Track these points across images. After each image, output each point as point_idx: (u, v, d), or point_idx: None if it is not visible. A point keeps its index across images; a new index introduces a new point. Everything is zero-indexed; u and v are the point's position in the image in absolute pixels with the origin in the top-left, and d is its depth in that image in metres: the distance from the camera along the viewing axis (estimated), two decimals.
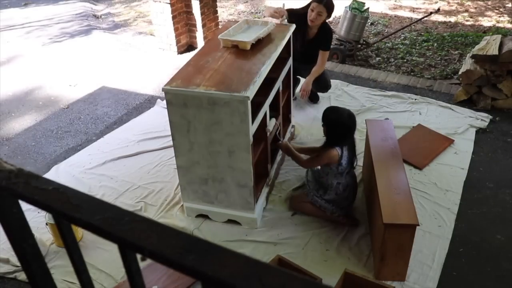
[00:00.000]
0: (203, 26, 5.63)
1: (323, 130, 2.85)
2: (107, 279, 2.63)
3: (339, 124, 2.75)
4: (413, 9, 7.24)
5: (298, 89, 4.34)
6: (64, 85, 5.13)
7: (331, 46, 5.52)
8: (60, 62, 5.76)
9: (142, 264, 0.68)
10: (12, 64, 5.79)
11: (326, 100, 4.40)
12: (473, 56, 4.22)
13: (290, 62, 3.48)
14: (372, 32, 6.32)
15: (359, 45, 5.41)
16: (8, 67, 5.70)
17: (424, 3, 7.50)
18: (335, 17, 6.67)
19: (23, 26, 7.09)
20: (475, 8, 7.23)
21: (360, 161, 3.52)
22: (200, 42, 5.72)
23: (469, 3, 7.42)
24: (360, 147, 3.68)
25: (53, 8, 7.97)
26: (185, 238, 0.61)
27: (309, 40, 3.99)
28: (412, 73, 5.07)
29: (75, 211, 0.68)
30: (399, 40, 5.97)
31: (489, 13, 7.00)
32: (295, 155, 3.03)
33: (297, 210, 3.07)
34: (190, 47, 5.86)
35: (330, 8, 3.77)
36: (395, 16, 6.95)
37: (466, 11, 7.11)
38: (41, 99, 4.86)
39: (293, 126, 3.82)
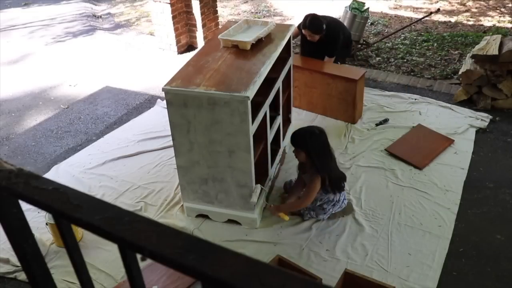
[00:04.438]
0: (203, 26, 5.63)
1: (301, 156, 2.82)
2: (107, 279, 2.63)
3: (324, 145, 2.78)
4: (413, 9, 7.23)
5: None
6: (64, 85, 5.13)
7: None
8: (60, 62, 5.76)
9: (142, 264, 0.68)
10: (12, 64, 5.80)
11: None
12: (473, 56, 4.21)
13: (290, 62, 3.48)
14: (372, 32, 6.32)
15: (359, 45, 5.41)
16: (8, 67, 5.70)
17: (425, 3, 7.49)
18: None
19: (24, 26, 7.10)
20: (477, 8, 7.23)
21: (360, 161, 3.52)
22: (200, 42, 5.72)
23: (470, 3, 7.42)
24: (360, 147, 3.70)
25: (54, 8, 7.97)
26: (185, 238, 0.61)
27: (315, 43, 4.19)
28: (412, 73, 5.07)
29: (75, 211, 0.68)
30: (399, 40, 5.97)
31: (490, 13, 7.00)
32: (290, 206, 2.94)
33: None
34: (190, 47, 5.86)
35: (313, 28, 4.03)
36: (395, 16, 6.94)
37: (467, 11, 7.11)
38: (41, 99, 4.86)
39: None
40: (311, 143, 2.76)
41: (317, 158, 2.74)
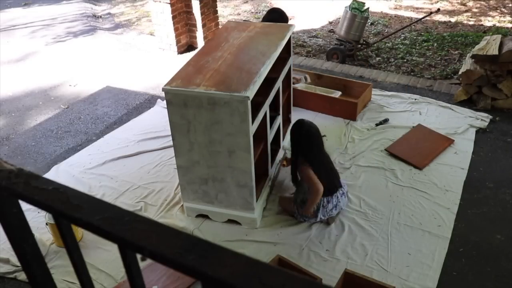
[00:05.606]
0: (203, 26, 5.63)
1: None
2: (107, 279, 2.63)
3: (304, 135, 2.86)
4: (413, 9, 7.24)
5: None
6: (64, 85, 5.13)
7: (332, 46, 5.56)
8: (60, 62, 5.76)
9: (142, 264, 0.69)
10: (13, 64, 5.79)
11: None
12: (473, 56, 4.21)
13: (290, 62, 3.48)
14: (372, 32, 6.32)
15: (359, 45, 5.41)
16: (8, 67, 5.70)
17: (425, 3, 7.49)
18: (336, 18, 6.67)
19: (25, 26, 7.10)
20: (477, 8, 7.23)
21: (360, 161, 3.52)
22: (200, 42, 5.72)
23: (471, 3, 7.42)
24: (359, 147, 3.70)
25: (54, 8, 7.97)
26: (185, 238, 0.61)
27: None
28: (412, 73, 5.07)
29: (75, 211, 0.68)
30: (399, 40, 5.97)
31: (490, 13, 7.00)
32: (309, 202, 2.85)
33: (285, 210, 3.07)
34: (190, 47, 5.86)
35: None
36: (395, 16, 6.94)
37: (468, 11, 7.11)
38: (41, 99, 4.86)
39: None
40: (294, 133, 2.91)
41: (297, 147, 2.89)
